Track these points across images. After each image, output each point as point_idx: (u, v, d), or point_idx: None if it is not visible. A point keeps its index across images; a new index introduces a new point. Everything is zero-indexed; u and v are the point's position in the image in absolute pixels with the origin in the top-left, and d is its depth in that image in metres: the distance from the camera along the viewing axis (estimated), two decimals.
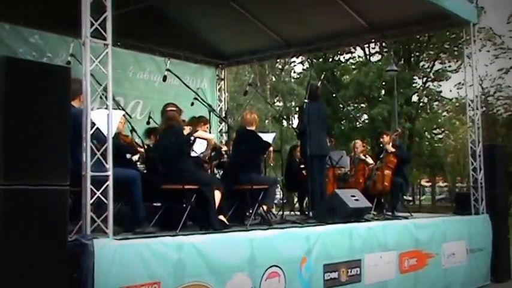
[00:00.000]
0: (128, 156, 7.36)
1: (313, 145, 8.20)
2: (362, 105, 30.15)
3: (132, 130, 7.09)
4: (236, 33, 11.49)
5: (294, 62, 31.20)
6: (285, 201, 9.75)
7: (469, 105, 10.08)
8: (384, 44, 27.43)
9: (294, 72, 32.76)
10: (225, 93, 12.95)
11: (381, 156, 9.59)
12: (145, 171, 7.21)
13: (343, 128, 28.21)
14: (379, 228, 7.67)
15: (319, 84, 9.61)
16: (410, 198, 38.72)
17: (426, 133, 30.31)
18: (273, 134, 8.76)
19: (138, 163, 7.48)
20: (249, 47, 12.24)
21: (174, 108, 6.82)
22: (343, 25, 10.86)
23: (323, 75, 12.80)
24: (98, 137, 5.14)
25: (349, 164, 10.20)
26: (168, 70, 7.48)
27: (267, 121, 26.47)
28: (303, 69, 31.95)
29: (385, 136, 9.95)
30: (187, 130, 6.66)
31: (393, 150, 9.72)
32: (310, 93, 8.70)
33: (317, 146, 8.28)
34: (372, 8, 10.31)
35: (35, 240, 4.25)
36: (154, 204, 6.82)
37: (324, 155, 8.71)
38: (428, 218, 9.30)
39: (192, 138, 6.75)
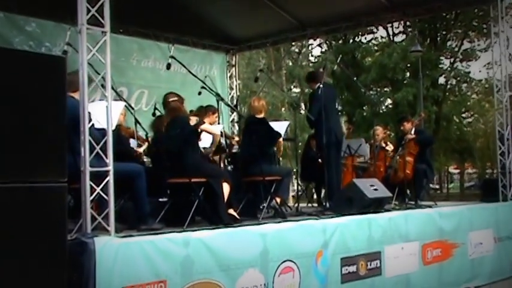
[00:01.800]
0: (134, 146, 7.39)
1: (328, 132, 8.16)
2: (385, 89, 29.84)
3: (136, 122, 7.09)
4: (247, 15, 11.36)
5: (312, 44, 30.97)
6: (301, 193, 9.70)
7: (497, 85, 9.98)
8: (408, 23, 27.10)
9: (312, 55, 32.48)
10: (236, 80, 12.88)
11: (403, 142, 9.52)
12: (150, 165, 7.22)
13: (364, 114, 27.94)
14: (400, 218, 7.63)
15: (335, 67, 9.56)
16: (437, 186, 38.33)
17: (454, 117, 29.89)
18: (287, 123, 8.71)
19: (144, 157, 7.49)
20: (261, 30, 12.11)
21: (176, 98, 6.79)
22: (361, 3, 10.75)
23: (339, 58, 12.67)
24: (93, 133, 5.09)
25: (368, 152, 10.14)
26: (172, 57, 7.39)
27: (283, 109, 26.34)
28: (321, 52, 31.64)
29: (405, 124, 9.87)
30: (193, 121, 6.64)
31: (414, 136, 9.64)
32: (308, 77, 8.70)
33: (332, 132, 8.23)
34: None
35: (32, 240, 4.25)
36: (160, 199, 6.83)
37: (341, 142, 8.69)
38: (453, 206, 9.22)
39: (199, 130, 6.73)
